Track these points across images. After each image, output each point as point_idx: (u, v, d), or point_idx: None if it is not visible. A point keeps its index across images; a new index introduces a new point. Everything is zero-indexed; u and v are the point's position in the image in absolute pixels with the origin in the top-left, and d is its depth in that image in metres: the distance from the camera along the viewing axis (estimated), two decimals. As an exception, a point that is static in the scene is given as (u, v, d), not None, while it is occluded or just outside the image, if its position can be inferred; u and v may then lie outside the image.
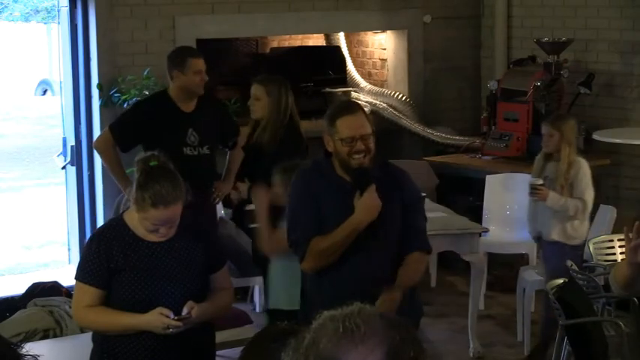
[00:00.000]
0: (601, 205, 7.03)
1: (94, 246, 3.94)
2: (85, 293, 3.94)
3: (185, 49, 6.49)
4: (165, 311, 3.84)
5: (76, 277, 3.99)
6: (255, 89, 6.34)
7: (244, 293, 7.37)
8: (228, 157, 6.60)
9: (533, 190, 6.17)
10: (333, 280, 4.23)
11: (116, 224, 4.01)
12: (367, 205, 4.17)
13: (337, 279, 4.22)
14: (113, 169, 6.39)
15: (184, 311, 3.86)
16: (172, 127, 6.15)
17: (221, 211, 7.27)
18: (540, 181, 6.16)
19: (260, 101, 6.29)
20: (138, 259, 3.91)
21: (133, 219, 3.94)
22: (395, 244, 4.26)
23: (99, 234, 4.03)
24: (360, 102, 9.16)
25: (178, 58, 6.24)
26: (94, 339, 4.08)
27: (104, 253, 3.90)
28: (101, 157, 6.55)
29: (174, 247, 3.95)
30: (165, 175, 3.88)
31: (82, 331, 5.57)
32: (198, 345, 4.04)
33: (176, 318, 3.84)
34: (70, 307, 5.73)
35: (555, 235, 6.18)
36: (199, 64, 6.20)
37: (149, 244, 3.93)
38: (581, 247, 6.24)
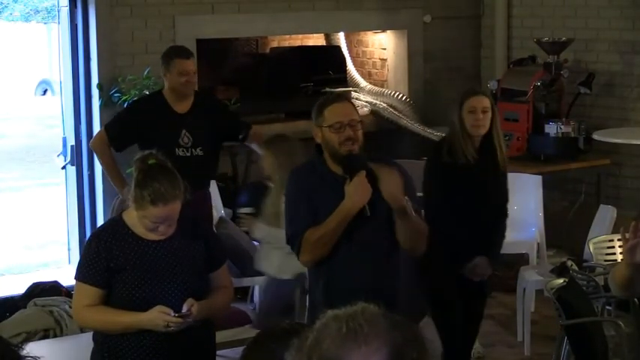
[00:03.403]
0: (601, 205, 7.04)
1: (93, 246, 3.95)
2: (85, 293, 3.95)
3: (174, 49, 6.38)
4: (165, 309, 3.85)
5: (76, 277, 4.00)
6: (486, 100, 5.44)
7: (244, 293, 7.37)
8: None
9: (239, 219, 5.84)
10: (330, 271, 4.25)
11: (115, 224, 4.02)
12: (357, 189, 4.14)
13: (333, 269, 4.23)
14: (108, 169, 6.40)
15: (184, 308, 3.87)
16: (165, 127, 6.14)
17: (221, 211, 7.28)
18: (248, 210, 5.77)
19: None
20: (137, 258, 3.92)
21: (132, 218, 3.95)
22: (388, 231, 4.25)
23: (98, 234, 4.05)
24: (359, 101, 9.18)
25: (166, 58, 6.22)
26: (95, 338, 4.09)
27: (104, 252, 3.91)
28: (97, 156, 6.58)
29: (174, 246, 3.97)
30: (164, 173, 3.90)
31: (82, 331, 5.58)
32: (198, 343, 4.04)
33: (176, 315, 3.85)
34: (70, 307, 5.73)
35: (265, 267, 5.72)
36: (185, 65, 6.11)
37: (148, 242, 3.94)
38: (293, 281, 5.60)
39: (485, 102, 5.34)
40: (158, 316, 3.85)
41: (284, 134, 6.05)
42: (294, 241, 4.27)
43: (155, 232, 3.92)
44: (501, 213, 5.47)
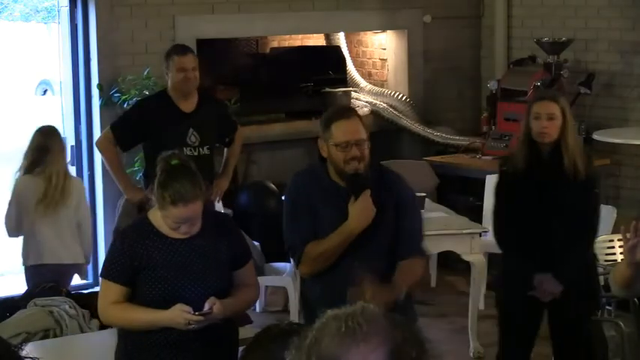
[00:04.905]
0: (601, 205, 7.03)
1: (118, 244, 4.04)
2: (110, 290, 4.02)
3: (172, 48, 6.41)
4: (185, 307, 3.89)
5: (102, 275, 4.10)
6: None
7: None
8: (225, 153, 6.60)
9: None
10: (327, 285, 4.24)
11: (140, 222, 4.10)
12: (361, 210, 4.15)
13: (331, 284, 4.22)
14: (113, 168, 6.42)
15: (206, 307, 3.91)
16: (173, 127, 6.15)
17: (221, 211, 7.27)
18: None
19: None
20: (161, 256, 3.97)
21: (157, 217, 4.01)
22: (389, 247, 4.25)
23: (123, 232, 4.13)
24: (359, 101, 9.18)
25: (166, 57, 6.26)
26: (119, 334, 4.16)
27: (128, 251, 3.97)
28: (102, 156, 6.58)
29: (199, 244, 4.01)
30: (185, 173, 3.94)
31: (82, 330, 5.58)
32: (220, 340, 4.07)
33: (197, 313, 3.89)
34: (69, 307, 5.73)
35: None
36: (183, 61, 6.14)
37: (173, 241, 3.99)
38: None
39: (552, 108, 4.97)
40: (179, 315, 3.89)
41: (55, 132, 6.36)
42: (294, 252, 4.28)
43: (178, 231, 3.98)
44: (579, 227, 4.99)
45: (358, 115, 4.34)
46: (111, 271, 4.02)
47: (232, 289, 4.09)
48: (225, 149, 6.60)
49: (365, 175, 4.19)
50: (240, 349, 2.81)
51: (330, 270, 4.23)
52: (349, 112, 4.39)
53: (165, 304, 3.93)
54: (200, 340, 3.98)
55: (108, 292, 4.04)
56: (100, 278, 4.14)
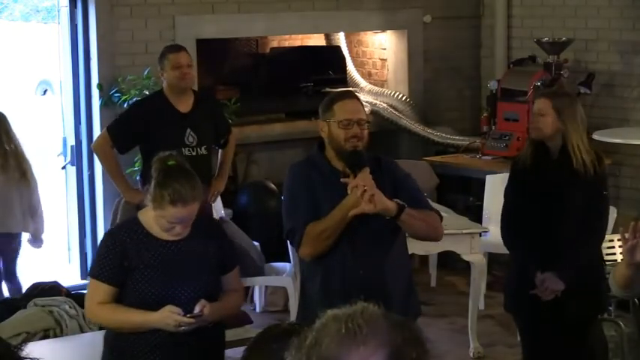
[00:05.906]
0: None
1: (107, 244, 4.01)
2: (98, 290, 3.99)
3: (166, 48, 6.44)
4: (175, 309, 3.88)
5: (90, 274, 4.06)
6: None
7: (244, 293, 7.36)
8: (220, 155, 6.61)
9: None
10: (328, 267, 4.24)
11: (130, 223, 4.07)
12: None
13: (332, 265, 4.22)
14: (111, 171, 6.41)
15: (196, 309, 3.90)
16: (170, 127, 6.15)
17: (221, 211, 7.28)
18: None
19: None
20: (151, 257, 3.96)
21: (148, 218, 3.99)
22: (389, 230, 4.25)
23: (113, 232, 4.11)
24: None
25: (160, 57, 6.29)
26: (105, 338, 4.14)
27: (118, 251, 3.95)
28: (99, 159, 6.58)
29: (188, 247, 4.00)
30: (184, 174, 3.94)
31: (82, 330, 5.58)
32: (208, 344, 4.06)
33: (188, 316, 3.88)
34: (69, 307, 5.74)
35: None
36: (177, 58, 6.18)
37: (163, 242, 3.98)
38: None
39: (542, 104, 4.96)
40: (168, 316, 3.88)
41: None
42: (293, 235, 4.25)
43: (171, 232, 3.96)
44: (585, 227, 4.91)
45: (358, 98, 4.42)
46: (100, 271, 3.98)
47: (220, 294, 4.08)
48: (220, 151, 6.61)
49: (364, 153, 4.22)
50: (241, 349, 2.81)
51: (329, 254, 4.21)
52: (351, 93, 4.52)
53: (155, 306, 3.90)
54: (187, 343, 3.96)
55: (96, 292, 4.01)
56: (88, 277, 4.09)
